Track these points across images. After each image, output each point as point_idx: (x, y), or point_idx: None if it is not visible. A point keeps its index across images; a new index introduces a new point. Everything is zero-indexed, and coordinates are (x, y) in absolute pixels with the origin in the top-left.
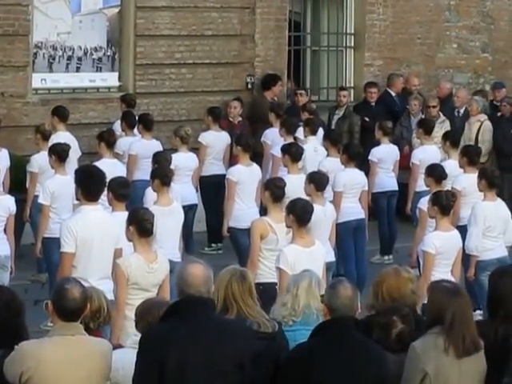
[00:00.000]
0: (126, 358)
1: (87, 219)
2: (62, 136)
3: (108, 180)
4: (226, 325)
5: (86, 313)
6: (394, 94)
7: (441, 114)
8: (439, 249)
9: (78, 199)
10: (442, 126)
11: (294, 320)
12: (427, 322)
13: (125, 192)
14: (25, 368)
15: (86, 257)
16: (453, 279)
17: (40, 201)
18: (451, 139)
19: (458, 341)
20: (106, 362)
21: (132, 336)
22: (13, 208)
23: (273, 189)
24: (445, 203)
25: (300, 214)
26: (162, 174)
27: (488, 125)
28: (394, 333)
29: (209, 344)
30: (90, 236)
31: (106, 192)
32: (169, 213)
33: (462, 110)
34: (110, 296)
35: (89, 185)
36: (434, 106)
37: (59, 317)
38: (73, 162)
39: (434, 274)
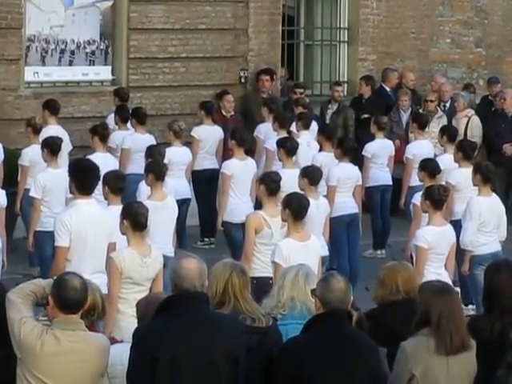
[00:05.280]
0: (126, 353)
1: (81, 213)
2: (52, 129)
3: (102, 174)
4: (218, 319)
5: (86, 307)
6: (388, 89)
7: (438, 109)
8: (431, 243)
9: (71, 193)
10: (440, 121)
11: (281, 313)
12: (415, 322)
13: (121, 185)
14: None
15: (80, 251)
16: (446, 274)
17: (31, 194)
18: (448, 134)
19: (446, 339)
20: (104, 357)
21: (131, 330)
22: (3, 201)
23: (268, 183)
24: (437, 197)
25: (296, 209)
26: (156, 168)
27: (476, 120)
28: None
29: (201, 339)
30: (84, 230)
31: (100, 186)
32: (163, 207)
33: (447, 104)
34: (104, 290)
35: (83, 178)
36: (431, 101)
37: (60, 309)
38: (64, 156)
39: (427, 269)
